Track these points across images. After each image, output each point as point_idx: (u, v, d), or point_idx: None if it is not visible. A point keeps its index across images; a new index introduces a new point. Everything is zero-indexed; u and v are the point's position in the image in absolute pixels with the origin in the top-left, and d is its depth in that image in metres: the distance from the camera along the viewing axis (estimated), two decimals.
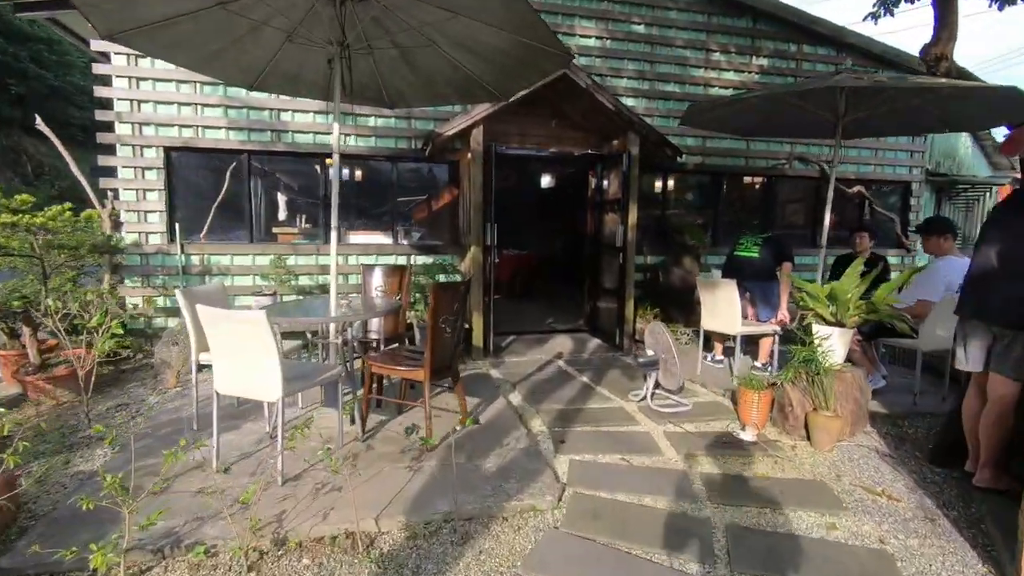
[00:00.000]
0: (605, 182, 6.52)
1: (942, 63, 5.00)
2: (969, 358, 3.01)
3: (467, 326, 5.79)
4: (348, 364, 3.64)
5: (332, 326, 3.63)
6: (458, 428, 3.53)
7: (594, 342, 6.45)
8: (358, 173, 6.36)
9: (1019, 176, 10.63)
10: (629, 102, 6.67)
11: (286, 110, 5.92)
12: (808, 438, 3.69)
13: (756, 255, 5.04)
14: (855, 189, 7.80)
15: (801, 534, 2.64)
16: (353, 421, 3.60)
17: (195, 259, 5.82)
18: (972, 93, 4.06)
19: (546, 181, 11.54)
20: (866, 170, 7.89)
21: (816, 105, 4.71)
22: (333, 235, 3.57)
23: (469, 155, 5.69)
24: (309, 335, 3.72)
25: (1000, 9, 5.60)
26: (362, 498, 2.72)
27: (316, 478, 2.96)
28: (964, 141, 10.04)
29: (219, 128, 5.79)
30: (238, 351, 2.81)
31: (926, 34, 5.58)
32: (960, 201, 10.63)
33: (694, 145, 7.09)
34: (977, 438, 3.02)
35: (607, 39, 6.77)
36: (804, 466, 3.38)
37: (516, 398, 4.50)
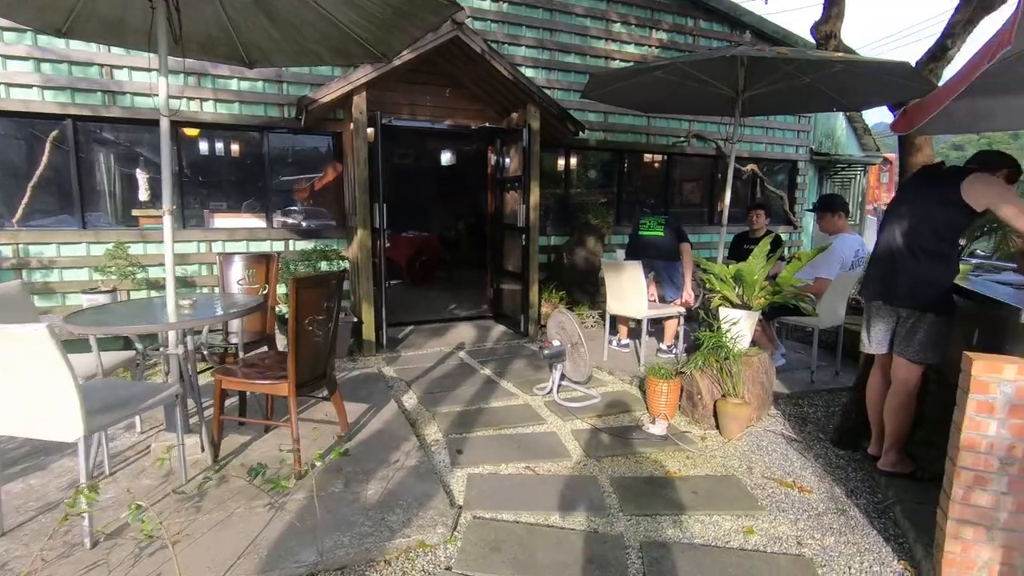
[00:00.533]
0: (506, 159, 6.09)
1: (831, 41, 5.01)
2: (873, 340, 2.93)
3: (356, 320, 5.19)
4: (191, 379, 2.96)
5: (172, 333, 2.93)
6: (334, 447, 2.98)
7: (498, 329, 6.08)
8: (221, 146, 5.47)
9: (887, 157, 11.47)
10: (529, 73, 6.26)
11: (121, 67, 4.90)
12: (717, 427, 3.54)
13: (661, 234, 4.86)
14: (748, 167, 7.97)
15: (720, 545, 2.41)
16: (203, 448, 2.96)
17: (5, 250, 4.72)
18: (866, 68, 4.03)
19: (447, 158, 10.94)
20: (758, 149, 8.08)
21: (717, 79, 4.54)
22: (166, 220, 2.85)
23: (352, 126, 5.02)
24: (140, 346, 2.99)
25: None
26: (203, 555, 2.15)
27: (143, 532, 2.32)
28: (841, 123, 10.67)
29: (30, 87, 4.68)
30: (7, 378, 2.09)
31: (814, 14, 5.64)
32: (839, 179, 11.36)
33: (596, 121, 6.84)
34: (881, 421, 2.96)
35: (504, 2, 6.28)
36: (716, 459, 3.20)
37: (411, 400, 4.01)
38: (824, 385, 4.41)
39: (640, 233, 5.02)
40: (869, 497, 2.81)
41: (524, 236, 5.66)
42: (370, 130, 5.00)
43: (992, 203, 2.53)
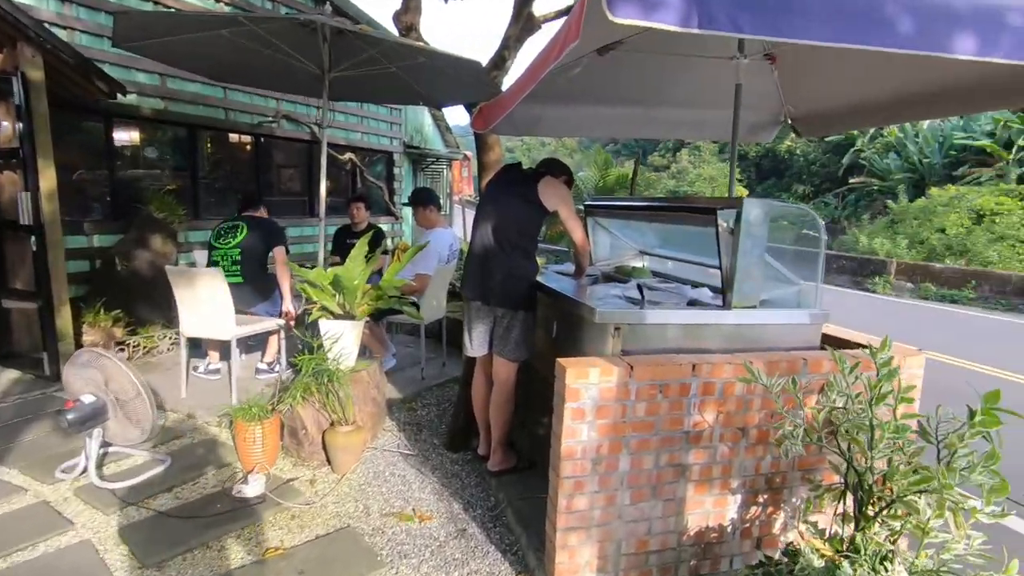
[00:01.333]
0: None
1: (412, 33, 5.00)
2: (475, 342, 2.87)
3: None
4: None
5: None
6: None
7: (7, 376, 4.09)
8: None
9: (467, 154, 13.00)
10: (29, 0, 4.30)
11: None
12: (329, 462, 3.01)
13: (237, 243, 3.95)
14: (346, 156, 7.64)
15: None
16: None
17: None
18: (444, 62, 4.04)
19: None
20: (355, 137, 7.84)
21: (301, 52, 3.91)
22: None
23: None
24: None
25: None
26: None
27: None
28: (427, 119, 11.53)
29: None
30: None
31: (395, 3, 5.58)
32: (430, 172, 12.33)
33: (149, 84, 5.28)
34: (488, 421, 2.95)
35: None
36: (328, 508, 2.66)
37: None
38: (434, 380, 4.41)
39: (213, 243, 4.02)
40: (484, 504, 2.75)
41: (36, 238, 3.87)
42: None
43: (559, 206, 2.71)
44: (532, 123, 3.79)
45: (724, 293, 2.24)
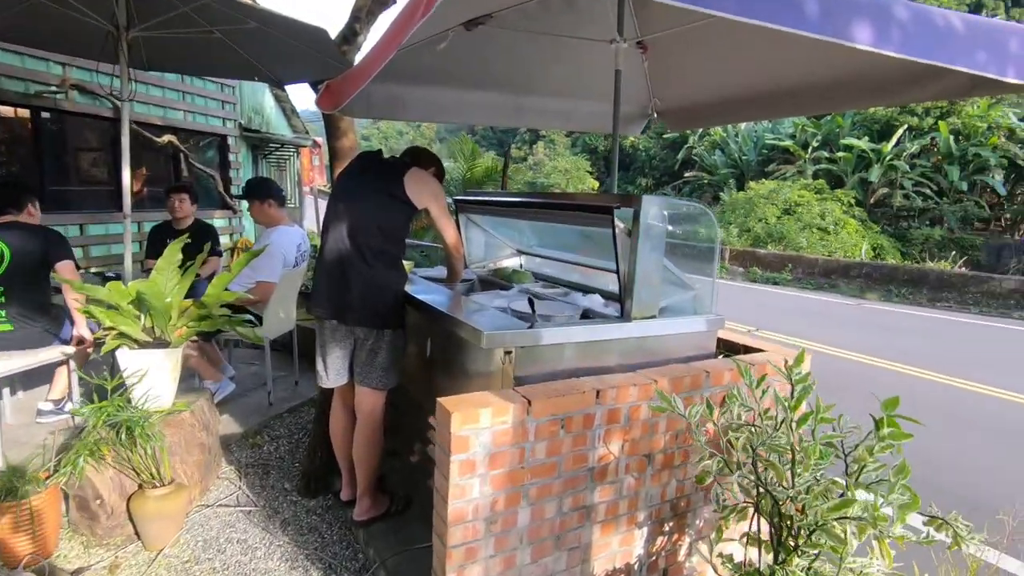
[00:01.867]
0: None
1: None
2: (331, 371, 2.35)
3: None
4: None
5: None
6: None
7: None
8: None
9: (316, 140, 11.88)
10: None
11: None
12: (139, 535, 2.32)
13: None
14: (165, 138, 6.42)
15: None
16: None
17: None
18: (282, 28, 3.37)
19: None
20: (175, 116, 6.61)
21: (88, 3, 3.01)
22: None
23: None
24: None
25: None
26: None
27: None
28: (269, 100, 10.28)
29: None
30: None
31: None
32: (274, 160, 11.03)
33: None
34: (350, 459, 2.45)
35: None
36: None
37: None
38: (285, 404, 3.76)
39: None
40: (351, 565, 2.27)
41: None
42: None
43: (429, 203, 2.30)
44: (391, 105, 3.32)
45: (623, 302, 2.00)
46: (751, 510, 1.79)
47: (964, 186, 17.74)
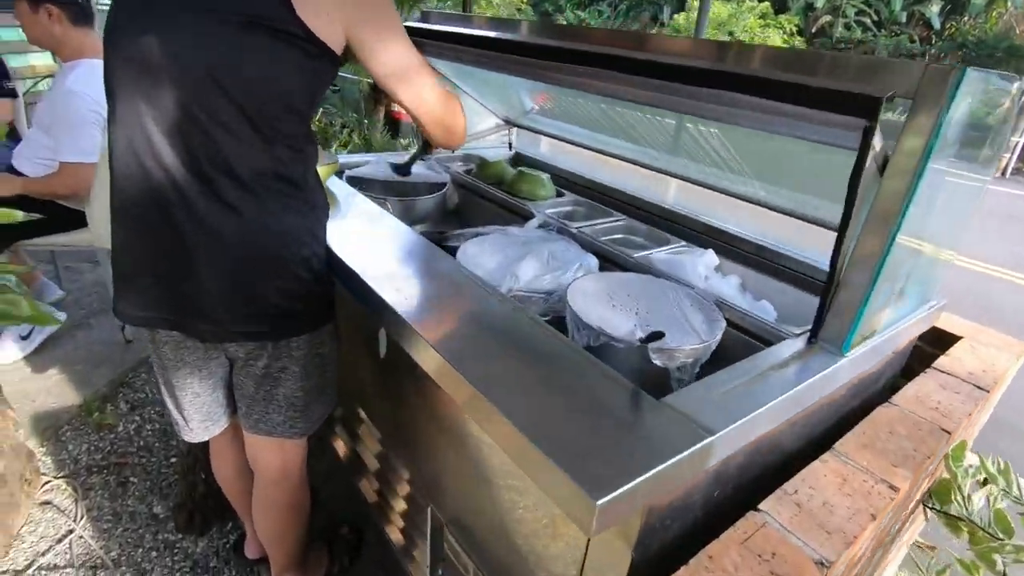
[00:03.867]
0: None
1: None
2: (192, 418, 1.20)
3: None
4: None
5: None
6: None
7: None
8: None
9: None
10: None
11: None
12: None
13: None
14: None
15: None
16: None
17: None
18: None
19: None
20: None
21: None
22: None
23: None
24: None
25: None
26: None
27: None
28: None
29: None
30: None
31: None
32: None
33: None
34: (251, 513, 1.45)
35: None
36: None
37: None
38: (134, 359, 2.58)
39: None
40: None
41: None
42: None
43: (361, 28, 1.00)
44: None
45: (824, 314, 0.94)
46: None
47: (904, 17, 16.86)
